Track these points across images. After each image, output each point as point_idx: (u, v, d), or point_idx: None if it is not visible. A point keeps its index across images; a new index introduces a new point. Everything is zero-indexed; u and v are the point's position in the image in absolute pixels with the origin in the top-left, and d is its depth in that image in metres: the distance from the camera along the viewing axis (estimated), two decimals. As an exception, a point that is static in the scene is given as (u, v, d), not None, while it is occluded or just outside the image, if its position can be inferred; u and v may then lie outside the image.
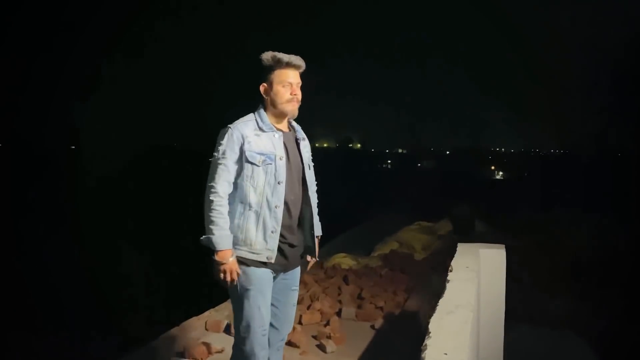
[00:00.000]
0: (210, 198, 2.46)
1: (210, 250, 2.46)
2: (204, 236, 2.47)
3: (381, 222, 11.55)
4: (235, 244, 2.50)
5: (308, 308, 5.13)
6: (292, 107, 2.61)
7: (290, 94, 2.57)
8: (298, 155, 2.66)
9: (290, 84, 2.58)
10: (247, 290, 2.51)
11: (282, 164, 2.55)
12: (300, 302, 5.36)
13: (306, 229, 2.72)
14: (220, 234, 2.44)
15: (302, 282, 6.04)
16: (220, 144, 2.52)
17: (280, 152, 2.56)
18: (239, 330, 2.56)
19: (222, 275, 2.46)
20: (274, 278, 2.61)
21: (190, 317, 4.55)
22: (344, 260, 7.38)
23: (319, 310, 5.01)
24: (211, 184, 2.48)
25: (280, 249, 2.55)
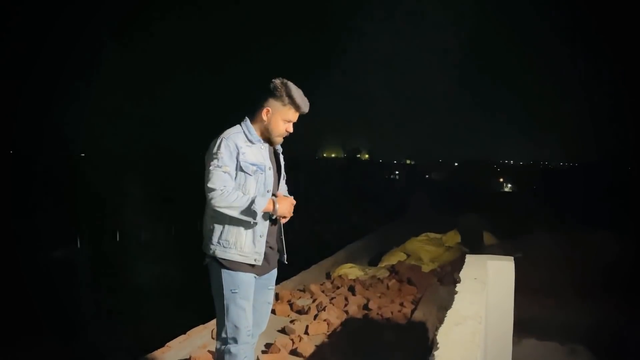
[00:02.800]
0: (221, 196, 2.56)
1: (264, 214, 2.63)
2: (252, 220, 2.59)
3: (388, 232, 11.51)
4: (226, 247, 2.64)
5: (314, 318, 5.11)
6: (280, 140, 2.82)
7: (285, 131, 2.77)
8: (276, 166, 2.86)
9: (291, 122, 2.76)
10: (234, 293, 2.65)
11: (270, 174, 2.75)
12: (306, 312, 5.35)
13: (278, 234, 2.87)
14: (251, 200, 2.57)
15: (309, 292, 6.04)
16: (219, 153, 2.62)
17: (269, 163, 2.76)
18: (225, 331, 2.67)
19: (288, 211, 2.69)
20: (257, 279, 2.76)
21: (197, 324, 4.55)
22: (351, 271, 7.36)
23: (325, 320, 4.99)
24: (217, 188, 2.57)
25: (264, 253, 2.72)
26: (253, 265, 2.68)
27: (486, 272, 3.45)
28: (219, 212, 2.60)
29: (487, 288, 3.20)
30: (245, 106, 2.83)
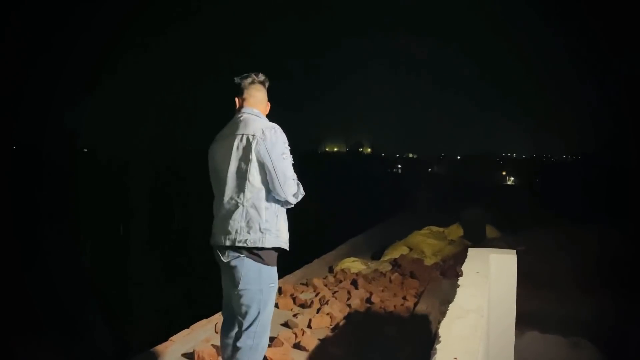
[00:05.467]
0: (299, 185, 2.75)
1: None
2: (295, 202, 2.78)
3: (391, 226, 11.51)
4: (278, 236, 2.72)
5: (317, 312, 5.12)
6: None
7: None
8: None
9: None
10: (271, 287, 2.75)
11: None
12: (309, 305, 5.36)
13: None
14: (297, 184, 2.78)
15: (312, 286, 6.05)
16: (286, 143, 2.75)
17: None
18: (258, 325, 2.70)
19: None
20: None
21: (200, 319, 4.56)
22: (354, 265, 7.37)
23: (328, 314, 4.99)
24: (294, 177, 2.74)
25: None
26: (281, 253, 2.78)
27: (488, 266, 3.46)
28: (273, 201, 2.69)
29: (489, 281, 3.21)
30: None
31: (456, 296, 2.69)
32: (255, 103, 2.85)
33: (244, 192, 2.66)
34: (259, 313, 2.69)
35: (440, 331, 2.19)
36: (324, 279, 6.62)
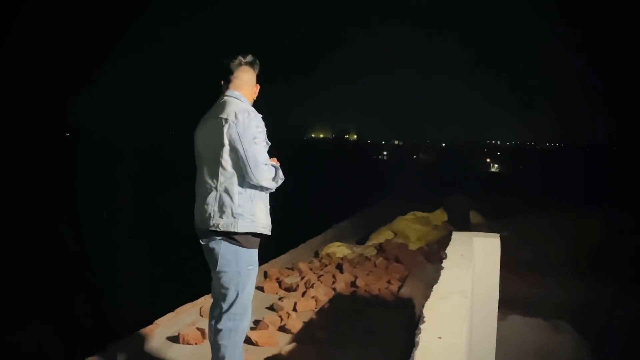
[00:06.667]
0: (270, 170, 2.68)
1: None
2: (274, 186, 2.75)
3: (376, 211, 11.54)
4: (254, 221, 2.69)
5: (303, 295, 5.15)
6: None
7: None
8: None
9: None
10: (249, 269, 2.74)
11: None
12: (294, 289, 5.38)
13: None
14: (276, 169, 2.75)
15: (297, 270, 6.07)
16: (261, 128, 2.69)
17: None
18: (237, 308, 2.72)
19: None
20: None
21: (185, 302, 4.56)
22: (339, 249, 7.39)
23: (313, 297, 5.03)
24: (268, 163, 2.68)
25: None
26: (260, 238, 2.77)
27: (472, 249, 3.49)
28: (248, 186, 2.65)
29: (473, 264, 3.24)
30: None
31: (440, 278, 2.71)
32: (241, 85, 2.81)
33: (217, 176, 2.66)
34: (237, 295, 2.71)
35: (425, 312, 2.21)
36: (310, 263, 6.64)
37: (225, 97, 2.79)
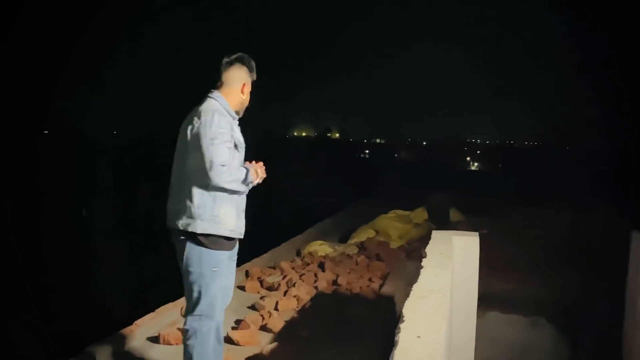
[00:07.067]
0: (229, 170, 2.59)
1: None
2: (242, 189, 2.68)
3: (358, 210, 11.59)
4: (216, 222, 2.64)
5: (284, 294, 5.16)
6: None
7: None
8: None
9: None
10: (214, 271, 2.68)
11: (243, 150, 2.84)
12: (276, 288, 5.38)
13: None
14: (246, 171, 2.67)
15: (279, 269, 6.07)
16: (221, 128, 2.63)
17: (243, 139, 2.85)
18: (201, 309, 2.69)
19: (259, 178, 2.76)
20: None
21: (166, 302, 4.53)
22: (321, 248, 7.40)
23: (294, 296, 5.04)
24: (225, 163, 2.58)
25: None
26: (231, 241, 2.74)
27: (452, 248, 3.53)
28: (210, 187, 2.60)
29: (452, 263, 3.28)
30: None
31: (420, 277, 2.74)
32: (223, 85, 2.81)
33: (182, 175, 2.67)
34: (200, 296, 2.69)
35: (404, 311, 2.23)
36: (292, 262, 6.64)
37: (206, 97, 2.80)
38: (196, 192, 2.63)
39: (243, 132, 2.92)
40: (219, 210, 2.64)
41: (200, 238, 2.64)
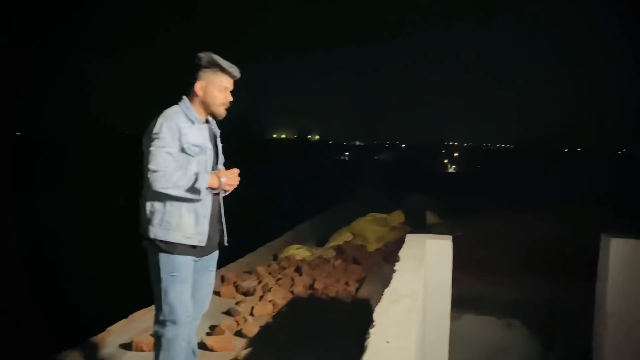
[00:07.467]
0: (164, 176, 2.52)
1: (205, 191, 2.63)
2: (196, 198, 2.58)
3: (336, 213, 11.61)
4: (168, 229, 2.61)
5: (260, 299, 5.13)
6: (223, 110, 2.79)
7: (225, 99, 2.76)
8: (214, 146, 2.84)
9: (227, 89, 2.76)
10: (172, 276, 2.63)
11: (210, 154, 2.75)
12: (252, 293, 5.36)
13: (219, 214, 2.86)
14: (195, 177, 2.57)
15: (255, 274, 6.04)
16: (161, 134, 2.58)
17: (209, 143, 2.76)
18: (164, 314, 2.66)
19: (229, 187, 2.73)
20: (196, 261, 2.74)
21: (139, 308, 4.47)
22: (298, 252, 7.40)
23: (270, 301, 5.02)
24: (159, 169, 2.53)
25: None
26: (194, 247, 2.66)
27: (425, 251, 3.55)
28: (160, 193, 2.56)
29: (425, 266, 3.30)
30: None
31: (392, 281, 2.74)
32: (188, 90, 2.76)
33: (142, 181, 2.65)
34: (161, 302, 2.67)
35: (375, 316, 2.24)
36: (268, 266, 6.63)
37: None
38: (148, 197, 2.64)
39: (221, 134, 2.89)
40: (171, 216, 2.60)
41: (157, 243, 2.62)
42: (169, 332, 2.66)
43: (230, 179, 2.72)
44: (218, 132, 2.88)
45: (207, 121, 2.82)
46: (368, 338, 1.97)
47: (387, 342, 1.93)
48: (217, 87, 2.72)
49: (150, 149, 2.56)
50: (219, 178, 2.68)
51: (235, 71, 2.76)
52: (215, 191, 2.71)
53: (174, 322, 2.66)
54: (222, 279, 5.78)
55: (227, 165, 2.90)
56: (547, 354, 5.28)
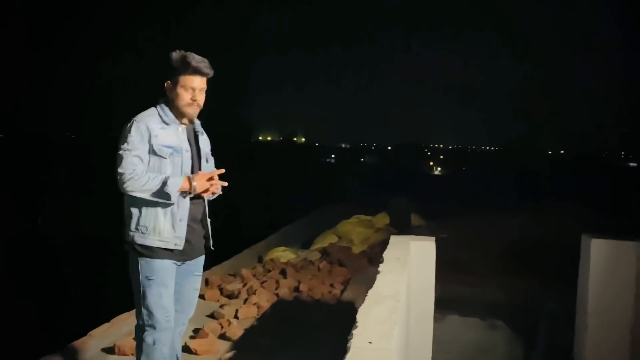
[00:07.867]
0: (131, 180, 2.49)
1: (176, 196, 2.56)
2: (167, 202, 2.53)
3: (321, 215, 11.62)
4: (144, 232, 2.58)
5: (245, 302, 5.12)
6: (191, 111, 2.68)
7: (191, 99, 2.65)
8: (197, 148, 2.78)
9: (193, 89, 2.65)
10: (150, 280, 2.60)
11: (188, 156, 2.69)
12: (236, 296, 5.34)
13: (203, 217, 2.81)
14: (163, 181, 2.51)
15: (240, 277, 6.02)
16: (129, 136, 2.56)
17: (186, 144, 2.70)
18: (143, 319, 2.64)
19: (208, 191, 2.64)
20: (179, 265, 2.71)
21: (122, 312, 4.42)
22: (283, 254, 7.39)
23: (255, 304, 5.01)
24: (125, 172, 2.51)
25: (186, 238, 2.65)
26: (172, 251, 2.63)
27: (409, 252, 3.57)
28: (135, 196, 2.55)
29: (408, 267, 3.32)
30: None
31: (375, 283, 2.75)
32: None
33: None
34: (140, 305, 2.65)
35: (358, 317, 2.25)
36: (253, 269, 6.60)
37: None
38: (126, 202, 2.64)
39: (208, 136, 2.87)
40: (147, 220, 2.58)
41: (136, 247, 2.61)
42: (148, 337, 2.63)
43: (201, 183, 2.61)
44: (201, 134, 2.82)
45: (191, 122, 2.77)
46: (350, 339, 1.98)
47: (370, 342, 1.94)
48: (183, 86, 2.63)
49: (119, 152, 2.55)
50: (190, 181, 2.59)
51: (204, 67, 2.64)
52: (190, 195, 2.63)
53: (153, 327, 2.62)
54: (207, 282, 5.75)
55: (218, 167, 2.86)
56: (530, 354, 5.34)
